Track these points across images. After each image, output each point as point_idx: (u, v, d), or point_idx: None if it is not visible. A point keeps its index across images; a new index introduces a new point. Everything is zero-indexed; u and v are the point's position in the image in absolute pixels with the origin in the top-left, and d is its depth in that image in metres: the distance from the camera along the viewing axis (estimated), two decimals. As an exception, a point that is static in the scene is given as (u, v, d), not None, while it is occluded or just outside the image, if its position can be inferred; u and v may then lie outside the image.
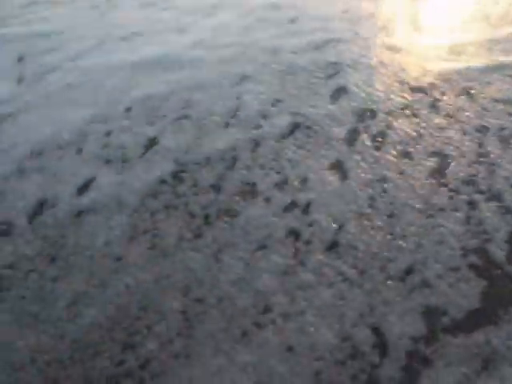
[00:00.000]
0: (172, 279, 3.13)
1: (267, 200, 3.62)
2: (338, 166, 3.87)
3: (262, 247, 3.25)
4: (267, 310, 2.87)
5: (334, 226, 3.34)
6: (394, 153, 3.95)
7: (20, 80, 5.82)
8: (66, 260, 3.37)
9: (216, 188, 3.83)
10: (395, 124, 4.27)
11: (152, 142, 4.50)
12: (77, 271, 3.27)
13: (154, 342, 2.76)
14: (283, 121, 4.47)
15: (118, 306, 3.00)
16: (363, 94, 4.72)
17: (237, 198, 3.69)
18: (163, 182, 3.98)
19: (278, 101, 4.78)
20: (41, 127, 4.91)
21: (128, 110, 5.03)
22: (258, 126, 4.45)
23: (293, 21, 6.37)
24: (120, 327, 2.87)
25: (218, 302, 2.95)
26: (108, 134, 4.69)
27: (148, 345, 2.76)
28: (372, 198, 3.52)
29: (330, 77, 5.03)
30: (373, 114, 4.42)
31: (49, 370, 2.68)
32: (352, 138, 4.17)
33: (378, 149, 4.01)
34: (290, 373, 2.54)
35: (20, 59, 6.23)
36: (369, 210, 3.43)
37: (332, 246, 3.19)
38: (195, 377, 2.59)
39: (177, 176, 4.02)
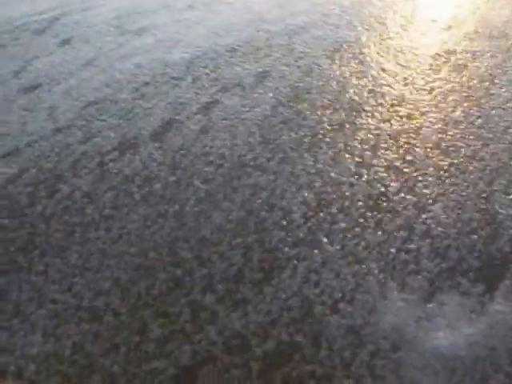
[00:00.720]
0: (294, 180, 3.08)
1: (372, 115, 3.59)
2: (430, 90, 3.81)
3: (373, 148, 3.23)
4: (383, 196, 2.84)
5: (436, 132, 3.32)
6: (478, 80, 3.86)
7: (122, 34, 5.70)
8: (190, 169, 3.33)
9: (329, 107, 3.76)
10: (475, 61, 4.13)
11: (264, 74, 4.39)
12: (199, 178, 3.22)
13: (278, 236, 2.69)
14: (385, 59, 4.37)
15: (243, 207, 2.94)
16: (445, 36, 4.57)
17: (345, 115, 3.63)
18: (281, 103, 3.90)
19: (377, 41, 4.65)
20: (150, 65, 4.83)
21: (233, 50, 4.91)
22: (360, 63, 4.34)
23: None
24: (245, 226, 2.80)
25: (338, 193, 2.91)
26: (217, 68, 4.59)
27: (273, 238, 2.68)
28: (464, 112, 3.49)
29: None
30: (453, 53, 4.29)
31: (174, 270, 2.60)
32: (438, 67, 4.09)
33: (462, 78, 3.91)
34: (411, 251, 2.48)
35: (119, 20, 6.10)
36: (463, 123, 3.38)
37: (435, 147, 3.17)
38: (319, 261, 2.51)
39: (293, 99, 3.94)
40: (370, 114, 3.58)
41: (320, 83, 4.09)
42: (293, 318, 2.24)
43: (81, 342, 2.26)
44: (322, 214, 2.76)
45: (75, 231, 2.89)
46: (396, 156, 3.12)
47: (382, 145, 3.24)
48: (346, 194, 2.87)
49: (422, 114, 3.52)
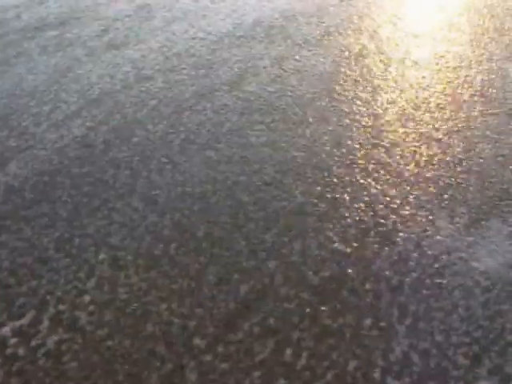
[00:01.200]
0: (351, 123, 2.84)
1: (424, 67, 3.38)
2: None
3: (425, 93, 3.07)
4: (434, 135, 2.58)
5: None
6: None
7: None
8: (256, 115, 3.01)
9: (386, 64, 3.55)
10: None
11: (328, 33, 4.12)
12: (263, 123, 2.91)
13: (337, 174, 2.43)
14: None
15: (304, 150, 2.64)
16: None
17: (401, 69, 3.43)
18: (341, 63, 3.63)
19: None
20: (225, 25, 4.49)
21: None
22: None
23: None
24: (307, 167, 2.50)
25: (391, 133, 2.71)
26: (286, 27, 4.27)
27: (333, 176, 2.41)
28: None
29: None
30: None
31: (235, 213, 2.30)
32: None
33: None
34: (460, 183, 2.30)
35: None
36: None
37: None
38: (373, 193, 2.24)
39: (347, 60, 3.66)
40: (421, 67, 3.42)
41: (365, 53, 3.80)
42: (348, 250, 2.00)
43: (136, 290, 1.89)
44: (376, 151, 2.57)
45: (141, 176, 2.54)
46: (445, 101, 2.99)
47: (433, 92, 3.09)
48: (399, 132, 2.70)
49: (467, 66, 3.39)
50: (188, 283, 1.89)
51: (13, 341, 1.74)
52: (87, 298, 1.87)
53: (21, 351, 1.70)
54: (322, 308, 1.77)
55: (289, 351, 1.65)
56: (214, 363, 1.62)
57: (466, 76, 3.19)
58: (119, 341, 1.72)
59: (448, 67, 3.32)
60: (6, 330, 1.79)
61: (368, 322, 1.72)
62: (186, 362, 1.64)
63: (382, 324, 1.71)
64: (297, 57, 3.69)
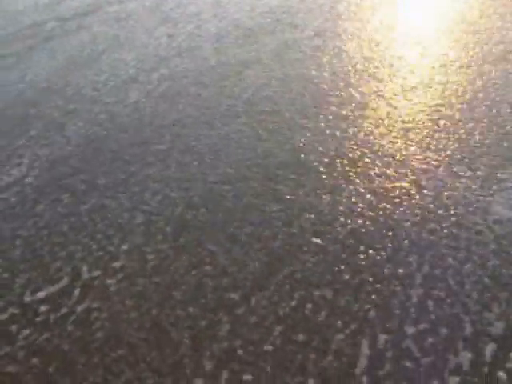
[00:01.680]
0: (377, 92, 2.58)
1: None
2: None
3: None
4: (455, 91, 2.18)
5: None
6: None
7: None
8: (293, 82, 2.75)
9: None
10: None
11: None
12: (304, 89, 2.65)
13: (363, 134, 2.14)
14: None
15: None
16: None
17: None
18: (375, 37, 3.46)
19: None
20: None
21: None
22: None
23: None
24: (333, 127, 2.24)
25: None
26: (325, 3, 3.83)
27: (361, 133, 2.13)
28: None
29: None
30: None
31: (268, 183, 2.06)
32: None
33: None
34: (480, 137, 2.05)
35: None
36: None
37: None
38: (394, 149, 1.94)
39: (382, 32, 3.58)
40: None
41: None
42: (369, 203, 1.79)
43: (165, 258, 1.68)
44: (401, 112, 2.31)
45: (179, 142, 2.29)
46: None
47: (455, 59, 2.79)
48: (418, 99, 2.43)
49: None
50: (218, 249, 1.67)
51: (44, 307, 1.57)
52: (118, 264, 1.68)
53: (52, 317, 1.53)
54: (347, 261, 1.57)
55: (309, 306, 1.44)
56: (245, 317, 1.43)
57: (486, 43, 2.83)
58: (147, 309, 1.52)
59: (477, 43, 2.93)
60: (41, 294, 1.62)
61: (387, 272, 1.51)
62: (219, 317, 1.44)
63: (401, 273, 1.50)
64: (335, 30, 3.37)
